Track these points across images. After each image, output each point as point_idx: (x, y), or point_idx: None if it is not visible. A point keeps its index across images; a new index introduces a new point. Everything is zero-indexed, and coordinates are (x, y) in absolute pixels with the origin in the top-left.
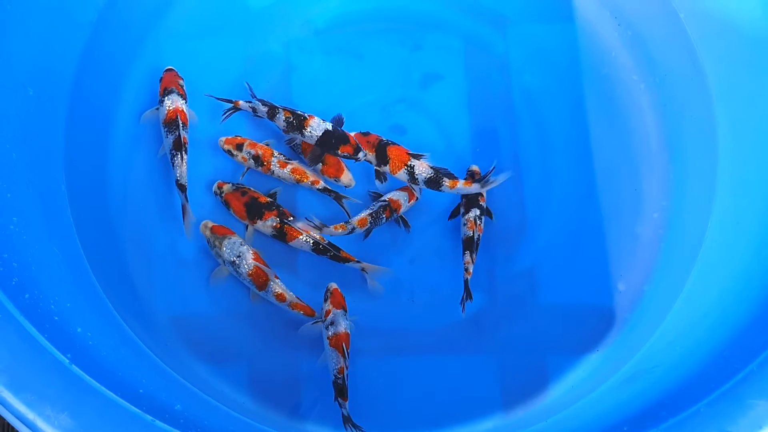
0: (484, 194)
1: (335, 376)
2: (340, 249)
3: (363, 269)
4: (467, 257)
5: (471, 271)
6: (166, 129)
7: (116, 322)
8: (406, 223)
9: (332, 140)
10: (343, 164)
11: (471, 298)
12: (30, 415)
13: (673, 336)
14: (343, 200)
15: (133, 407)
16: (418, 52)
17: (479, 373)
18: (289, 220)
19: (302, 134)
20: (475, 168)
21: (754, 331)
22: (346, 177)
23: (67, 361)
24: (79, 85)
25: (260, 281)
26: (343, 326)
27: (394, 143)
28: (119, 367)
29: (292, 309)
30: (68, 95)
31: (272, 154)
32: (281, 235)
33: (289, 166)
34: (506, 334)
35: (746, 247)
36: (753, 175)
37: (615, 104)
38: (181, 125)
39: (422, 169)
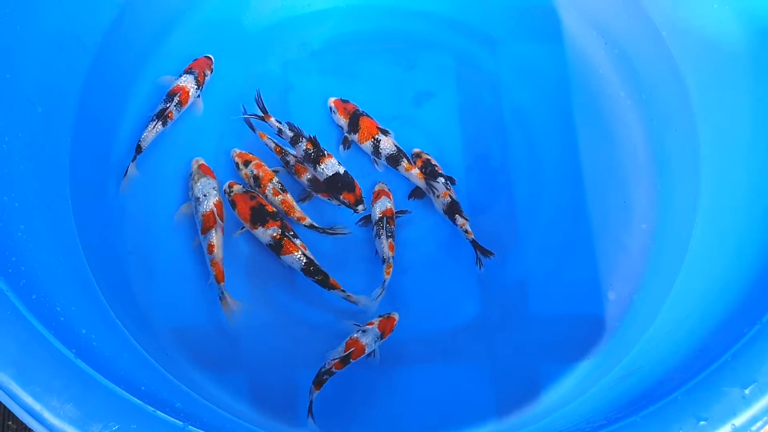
0: (439, 166)
1: (324, 366)
2: (329, 276)
3: (347, 298)
4: (460, 220)
5: (471, 230)
6: (164, 98)
7: (118, 329)
8: (404, 211)
9: (338, 184)
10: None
11: (491, 253)
12: (37, 407)
13: (659, 339)
14: (333, 231)
15: (135, 399)
16: (412, 71)
17: (473, 381)
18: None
19: (314, 168)
20: (417, 150)
21: (731, 326)
22: None
23: (72, 355)
24: (85, 102)
25: (207, 225)
26: (366, 341)
27: (368, 115)
28: (122, 367)
29: (211, 265)
30: (74, 112)
31: (270, 180)
32: (277, 246)
33: (281, 197)
34: (499, 342)
35: (728, 253)
36: (734, 185)
37: (603, 119)
38: (176, 101)
39: (387, 144)
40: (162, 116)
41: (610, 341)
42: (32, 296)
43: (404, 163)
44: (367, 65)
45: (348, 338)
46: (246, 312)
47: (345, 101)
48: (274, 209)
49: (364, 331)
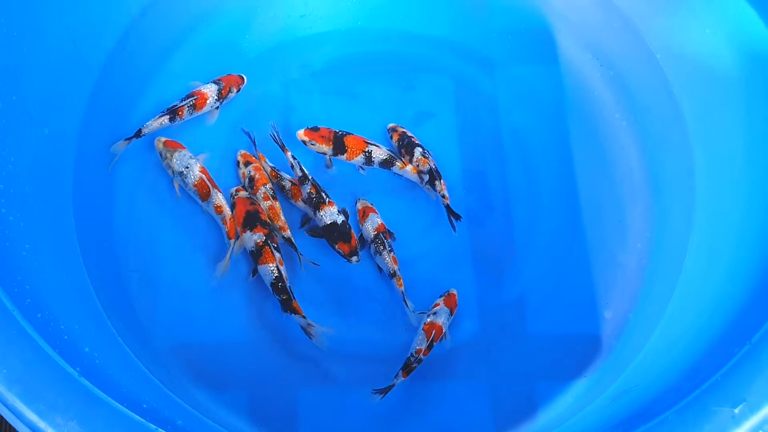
0: (415, 137)
1: (412, 354)
2: (292, 299)
3: (307, 327)
4: (439, 185)
5: (448, 195)
6: (183, 96)
7: (120, 347)
8: (391, 234)
9: (335, 233)
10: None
11: (459, 217)
12: (41, 424)
13: (653, 358)
14: (304, 256)
15: (138, 417)
16: (411, 92)
17: (471, 399)
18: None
19: (314, 213)
20: (392, 125)
21: (722, 346)
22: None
23: (77, 373)
24: (88, 123)
25: (203, 191)
26: (441, 320)
27: (350, 133)
28: (124, 385)
29: (223, 223)
30: (77, 131)
31: (263, 185)
32: (257, 254)
33: (269, 202)
34: (497, 361)
35: (721, 273)
36: (727, 206)
37: (598, 140)
38: (190, 102)
39: (378, 152)
40: (171, 111)
41: (606, 360)
42: (37, 315)
43: (398, 164)
44: (367, 86)
45: (423, 325)
46: (245, 329)
47: (314, 129)
48: (268, 220)
49: (435, 313)
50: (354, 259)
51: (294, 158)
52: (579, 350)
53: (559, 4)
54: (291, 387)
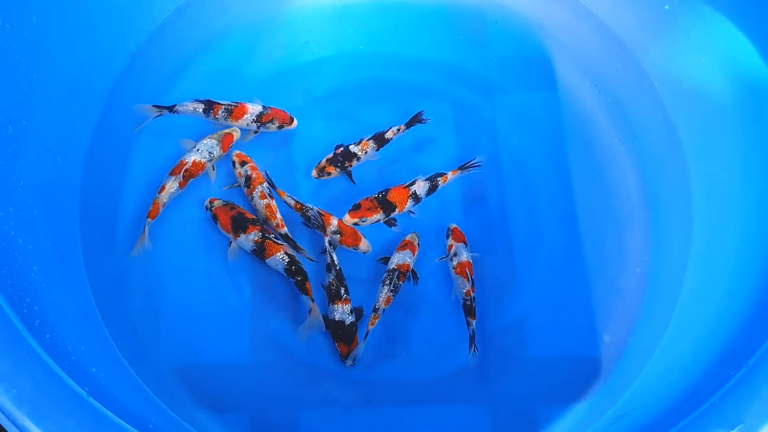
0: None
1: (463, 299)
2: (307, 279)
3: (311, 310)
4: (393, 130)
5: (401, 126)
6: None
7: (125, 368)
8: (415, 276)
9: (339, 332)
10: (360, 233)
11: (424, 119)
12: None
13: (652, 381)
14: (303, 251)
15: None
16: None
17: (472, 422)
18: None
19: (328, 304)
20: (315, 172)
21: (719, 368)
22: (364, 245)
23: (85, 393)
24: (95, 146)
25: (173, 170)
26: (465, 255)
27: (387, 189)
28: (129, 405)
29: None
30: (85, 155)
31: (260, 183)
32: (260, 250)
33: (266, 201)
34: (497, 384)
35: (718, 296)
36: (724, 230)
37: (597, 165)
38: (228, 107)
39: (420, 188)
40: (209, 102)
41: (605, 383)
42: (46, 336)
43: (440, 181)
44: (369, 112)
45: (454, 270)
46: (247, 351)
47: (356, 207)
48: (254, 216)
49: (456, 254)
50: (348, 362)
51: (330, 244)
52: (578, 373)
53: (557, 31)
54: (292, 409)
